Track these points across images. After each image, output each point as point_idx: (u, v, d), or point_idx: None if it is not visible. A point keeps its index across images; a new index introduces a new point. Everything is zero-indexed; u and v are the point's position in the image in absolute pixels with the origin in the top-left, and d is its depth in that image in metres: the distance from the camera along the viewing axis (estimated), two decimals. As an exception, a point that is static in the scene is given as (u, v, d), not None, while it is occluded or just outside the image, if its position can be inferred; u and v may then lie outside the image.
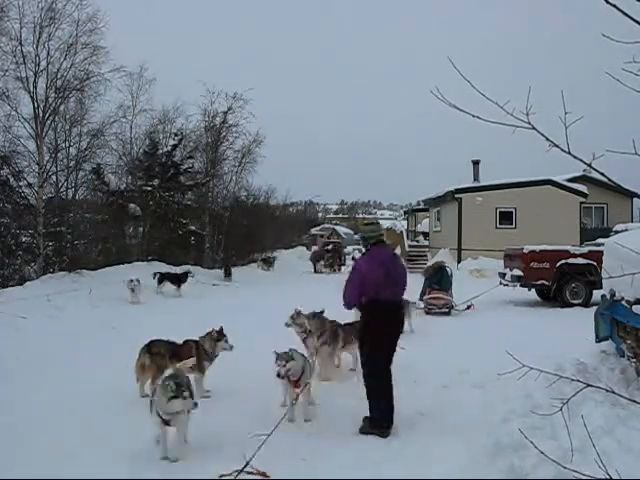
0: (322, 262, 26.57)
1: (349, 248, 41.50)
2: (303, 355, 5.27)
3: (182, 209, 20.17)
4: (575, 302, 12.32)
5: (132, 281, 13.06)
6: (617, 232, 13.90)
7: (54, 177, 15.84)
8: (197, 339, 5.79)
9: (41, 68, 14.54)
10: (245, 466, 3.58)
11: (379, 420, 4.55)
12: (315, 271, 25.90)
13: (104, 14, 15.29)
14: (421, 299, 11.60)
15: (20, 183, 14.52)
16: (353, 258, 20.98)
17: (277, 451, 4.06)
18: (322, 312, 6.59)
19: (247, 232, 24.52)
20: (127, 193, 18.94)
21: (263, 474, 3.68)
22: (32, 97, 14.43)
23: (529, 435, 2.92)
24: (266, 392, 5.30)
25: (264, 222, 27.92)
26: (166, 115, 22.45)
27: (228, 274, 19.55)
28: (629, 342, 5.20)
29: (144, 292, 13.36)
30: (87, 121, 16.88)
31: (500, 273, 14.02)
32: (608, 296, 5.46)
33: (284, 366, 4.81)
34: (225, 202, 24.71)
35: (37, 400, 5.52)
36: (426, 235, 29.83)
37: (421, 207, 33.31)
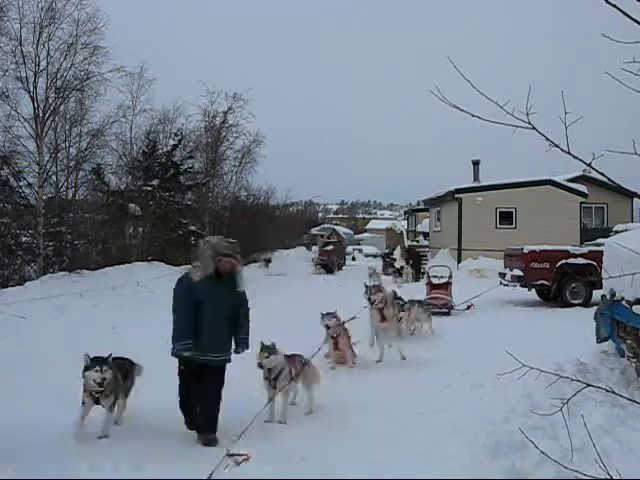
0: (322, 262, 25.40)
1: (349, 248, 41.46)
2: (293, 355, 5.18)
3: (182, 209, 20.16)
4: (575, 302, 12.29)
5: None
6: (617, 232, 13.91)
7: (54, 177, 15.81)
8: None
9: (41, 68, 14.52)
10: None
11: None
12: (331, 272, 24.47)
13: (104, 14, 15.33)
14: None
15: (20, 183, 14.47)
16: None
17: (276, 451, 4.06)
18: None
19: (247, 232, 24.50)
20: (127, 193, 18.93)
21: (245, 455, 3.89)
22: (32, 97, 14.39)
23: (529, 435, 2.92)
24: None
25: (264, 222, 27.93)
26: (166, 115, 22.48)
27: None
28: (629, 342, 5.20)
29: (147, 293, 13.34)
30: (87, 121, 16.86)
31: (500, 273, 14.00)
32: (608, 296, 5.46)
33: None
34: (225, 202, 24.73)
35: (37, 400, 5.51)
36: (426, 235, 29.79)
37: (421, 207, 33.26)
